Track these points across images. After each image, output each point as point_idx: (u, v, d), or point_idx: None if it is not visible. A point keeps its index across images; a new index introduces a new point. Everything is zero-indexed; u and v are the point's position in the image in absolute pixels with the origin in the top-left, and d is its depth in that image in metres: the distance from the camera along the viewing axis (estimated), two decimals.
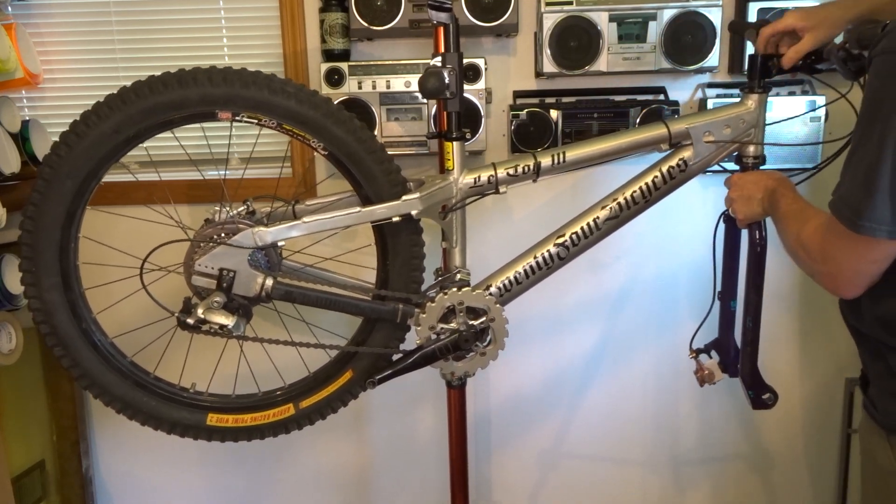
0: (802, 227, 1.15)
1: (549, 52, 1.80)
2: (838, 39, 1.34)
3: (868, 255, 1.05)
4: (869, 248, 1.04)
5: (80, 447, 2.17)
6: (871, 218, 1.01)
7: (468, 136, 1.78)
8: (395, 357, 1.54)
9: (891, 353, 1.14)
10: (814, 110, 1.80)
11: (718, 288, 1.61)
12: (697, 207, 2.00)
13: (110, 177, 1.46)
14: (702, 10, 1.76)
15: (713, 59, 1.79)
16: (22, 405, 2.03)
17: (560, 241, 1.52)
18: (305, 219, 1.41)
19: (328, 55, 1.89)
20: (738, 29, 1.69)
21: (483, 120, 1.86)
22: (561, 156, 1.50)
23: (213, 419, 1.53)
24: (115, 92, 1.36)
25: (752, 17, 1.79)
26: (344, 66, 1.84)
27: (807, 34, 1.35)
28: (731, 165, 1.53)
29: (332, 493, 2.27)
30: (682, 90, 1.95)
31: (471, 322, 1.49)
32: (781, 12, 1.75)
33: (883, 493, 1.18)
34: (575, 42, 1.80)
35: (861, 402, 1.30)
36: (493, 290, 1.52)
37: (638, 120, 1.84)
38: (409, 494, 2.26)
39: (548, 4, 1.78)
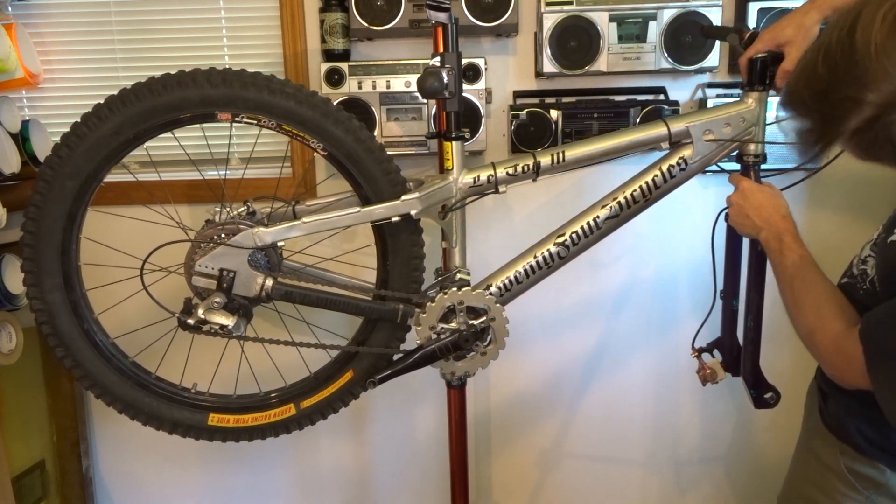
0: (819, 325, 1.14)
1: (549, 52, 1.80)
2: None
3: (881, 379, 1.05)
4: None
5: (80, 447, 2.18)
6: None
7: (468, 136, 1.78)
8: (396, 357, 1.54)
9: None
10: None
11: (719, 287, 1.61)
12: (697, 207, 2.00)
13: (110, 177, 1.46)
14: (702, 10, 1.76)
15: (713, 58, 1.79)
16: (22, 405, 2.03)
17: (560, 240, 1.52)
18: (305, 219, 1.41)
19: (328, 55, 1.89)
20: (716, 34, 1.69)
21: (483, 120, 1.86)
22: (560, 155, 1.50)
23: (214, 419, 1.54)
24: (115, 93, 1.36)
25: (752, 16, 1.79)
26: (344, 66, 1.84)
27: (787, 49, 1.35)
28: (731, 165, 1.53)
29: (332, 493, 2.27)
30: (682, 90, 1.95)
31: (471, 322, 1.49)
32: (781, 12, 1.77)
33: (820, 482, 1.26)
34: (575, 42, 1.80)
35: (806, 403, 1.39)
36: (493, 289, 1.52)
37: (638, 120, 1.84)
38: (410, 494, 2.26)
39: (548, 4, 1.78)
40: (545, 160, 1.49)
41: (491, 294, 1.51)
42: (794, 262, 1.23)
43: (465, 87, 1.78)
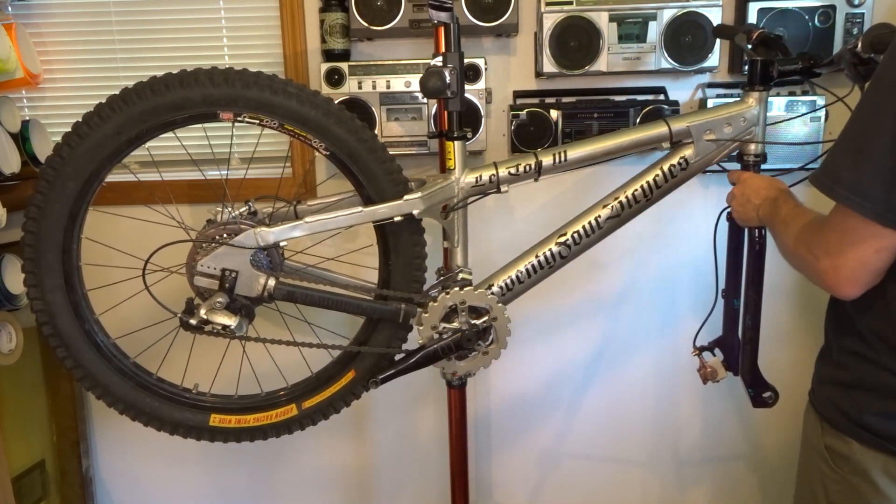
0: (804, 224, 1.13)
1: (549, 52, 1.80)
2: None
3: (857, 237, 0.99)
4: (858, 227, 0.98)
5: (80, 447, 2.17)
6: (852, 188, 0.96)
7: (469, 135, 1.78)
8: (398, 357, 1.54)
9: (836, 341, 1.19)
10: (815, 111, 1.81)
11: (720, 286, 1.61)
12: (698, 207, 2.01)
13: (112, 177, 1.46)
14: (702, 10, 1.76)
15: (713, 58, 1.79)
16: (22, 405, 2.03)
17: (562, 239, 1.53)
18: (307, 219, 1.41)
19: (328, 55, 1.89)
20: (726, 34, 1.69)
21: (483, 120, 1.86)
22: (562, 155, 1.50)
23: (215, 420, 1.53)
24: (117, 93, 1.36)
25: (752, 16, 1.79)
26: (344, 66, 1.84)
27: None
28: (732, 165, 1.53)
29: (332, 492, 2.27)
30: (682, 90, 1.95)
31: (473, 321, 1.49)
32: (781, 12, 1.78)
33: (810, 467, 1.25)
34: (575, 42, 1.80)
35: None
36: (494, 289, 1.52)
37: (638, 120, 1.84)
38: (410, 494, 2.26)
39: (548, 4, 1.78)
40: (547, 160, 1.50)
41: (493, 293, 1.51)
42: (787, 210, 1.22)
43: (465, 86, 1.78)
